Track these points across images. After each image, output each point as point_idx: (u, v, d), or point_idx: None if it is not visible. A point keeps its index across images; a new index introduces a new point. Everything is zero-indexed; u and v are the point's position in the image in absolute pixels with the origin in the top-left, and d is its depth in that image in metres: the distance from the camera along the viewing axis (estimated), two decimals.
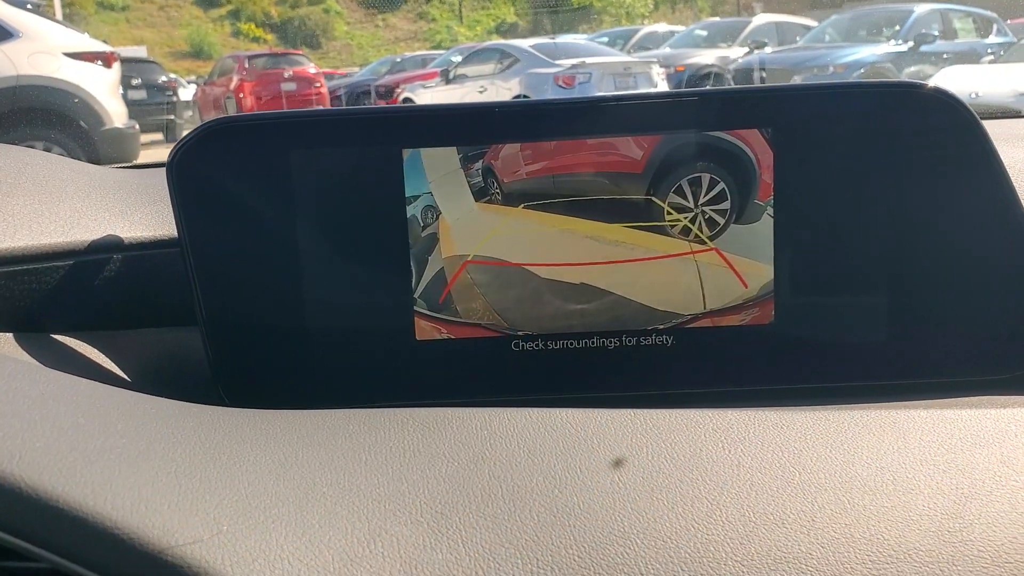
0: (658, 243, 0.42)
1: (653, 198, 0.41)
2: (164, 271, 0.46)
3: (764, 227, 0.42)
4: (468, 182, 0.41)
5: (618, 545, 0.26)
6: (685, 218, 0.42)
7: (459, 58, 9.16)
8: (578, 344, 0.43)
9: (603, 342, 0.43)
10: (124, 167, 0.64)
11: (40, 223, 0.45)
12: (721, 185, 0.41)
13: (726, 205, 0.41)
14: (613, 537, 0.27)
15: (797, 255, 0.42)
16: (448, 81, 8.38)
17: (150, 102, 7.78)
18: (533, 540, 0.27)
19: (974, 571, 0.26)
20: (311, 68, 9.91)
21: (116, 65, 4.62)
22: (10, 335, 0.42)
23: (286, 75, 9.37)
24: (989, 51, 7.15)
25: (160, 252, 0.46)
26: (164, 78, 8.53)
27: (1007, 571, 0.26)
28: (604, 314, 0.42)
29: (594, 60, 7.64)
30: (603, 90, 6.83)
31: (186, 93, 10.04)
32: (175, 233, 0.42)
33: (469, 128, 0.41)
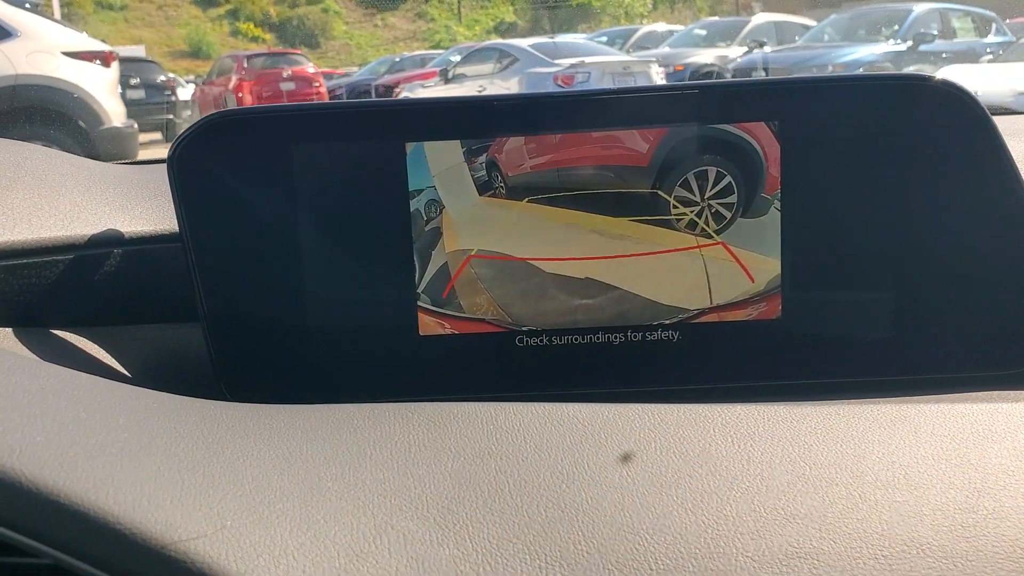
0: (664, 237, 0.41)
1: (659, 192, 0.41)
2: (165, 266, 0.45)
3: (771, 221, 0.41)
4: (472, 176, 0.41)
5: (627, 541, 0.26)
6: (691, 212, 0.41)
7: (458, 58, 9.16)
8: (583, 339, 0.42)
9: (608, 337, 0.42)
10: (124, 163, 0.63)
11: (40, 217, 0.44)
12: (728, 178, 0.41)
13: (733, 199, 0.41)
14: (622, 533, 0.26)
15: (804, 249, 0.41)
16: (447, 81, 8.38)
17: (149, 101, 7.76)
18: (541, 535, 0.26)
19: (988, 566, 0.26)
20: (310, 68, 9.91)
21: (114, 64, 4.61)
22: (9, 330, 0.42)
23: (285, 75, 9.37)
24: (988, 50, 7.15)
25: (161, 247, 0.46)
26: (163, 77, 8.52)
27: (1022, 566, 0.26)
28: (609, 309, 0.42)
29: (593, 59, 7.63)
30: None
31: (185, 93, 10.03)
32: (176, 227, 0.42)
33: (473, 121, 0.41)
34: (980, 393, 0.38)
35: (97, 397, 0.30)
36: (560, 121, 0.41)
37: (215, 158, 0.41)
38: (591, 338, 0.42)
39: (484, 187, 0.41)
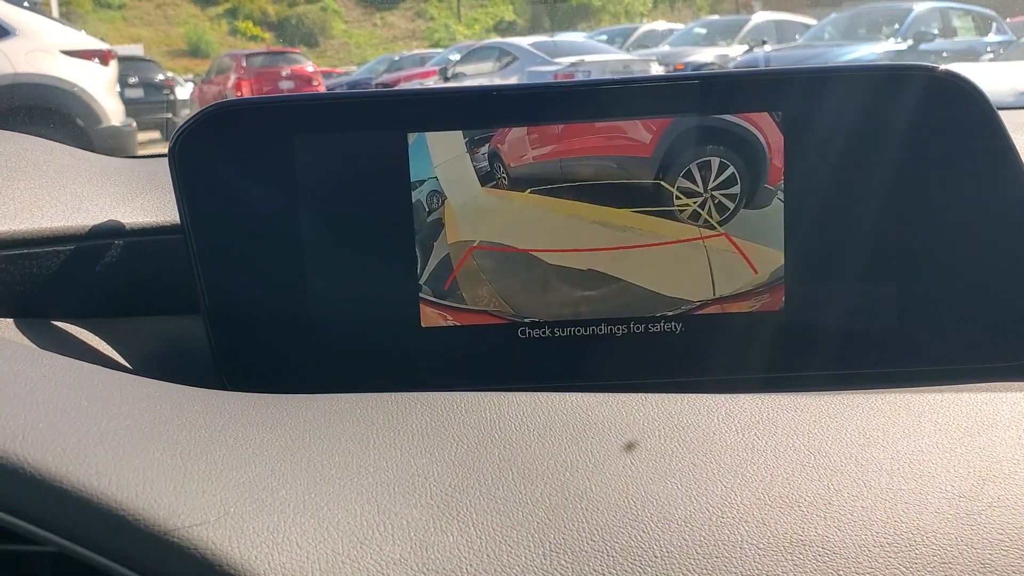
0: (667, 228, 0.41)
1: (662, 182, 0.41)
2: (166, 257, 0.45)
3: (774, 212, 0.41)
4: (474, 166, 0.41)
5: (631, 528, 0.26)
6: (694, 203, 0.41)
7: (457, 56, 9.16)
8: (585, 331, 0.42)
9: (611, 329, 0.42)
10: (125, 157, 0.63)
11: (41, 208, 0.44)
12: (731, 169, 0.41)
13: (736, 189, 0.41)
14: (626, 521, 0.26)
15: (807, 240, 0.41)
16: (446, 79, 8.37)
17: (147, 100, 7.75)
18: (544, 523, 0.26)
19: (993, 553, 0.26)
20: (309, 66, 9.90)
21: (113, 63, 4.60)
22: (10, 321, 0.42)
23: (284, 73, 9.36)
24: (989, 49, 7.14)
25: (162, 238, 0.45)
26: (161, 76, 8.51)
27: None
28: (612, 300, 0.42)
29: (593, 58, 7.64)
30: None
31: (183, 91, 10.02)
32: (177, 219, 0.42)
33: (475, 112, 0.41)
34: (983, 383, 0.38)
35: (100, 386, 0.30)
36: (562, 111, 0.41)
37: (216, 149, 0.41)
38: (594, 330, 0.42)
39: (486, 178, 0.41)
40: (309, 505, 0.26)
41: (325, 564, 0.24)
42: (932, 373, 0.41)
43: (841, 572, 0.25)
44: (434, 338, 0.42)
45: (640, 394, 0.33)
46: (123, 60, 6.18)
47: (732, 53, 8.57)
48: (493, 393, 0.33)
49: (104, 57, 4.55)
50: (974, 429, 0.30)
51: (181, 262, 0.42)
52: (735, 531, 0.26)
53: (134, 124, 4.78)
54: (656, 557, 0.25)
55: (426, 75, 9.17)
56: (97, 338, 0.44)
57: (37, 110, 4.26)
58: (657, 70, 7.60)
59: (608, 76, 7.07)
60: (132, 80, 7.62)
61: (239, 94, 8.99)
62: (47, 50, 4.30)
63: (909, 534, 0.26)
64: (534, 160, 0.41)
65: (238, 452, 0.27)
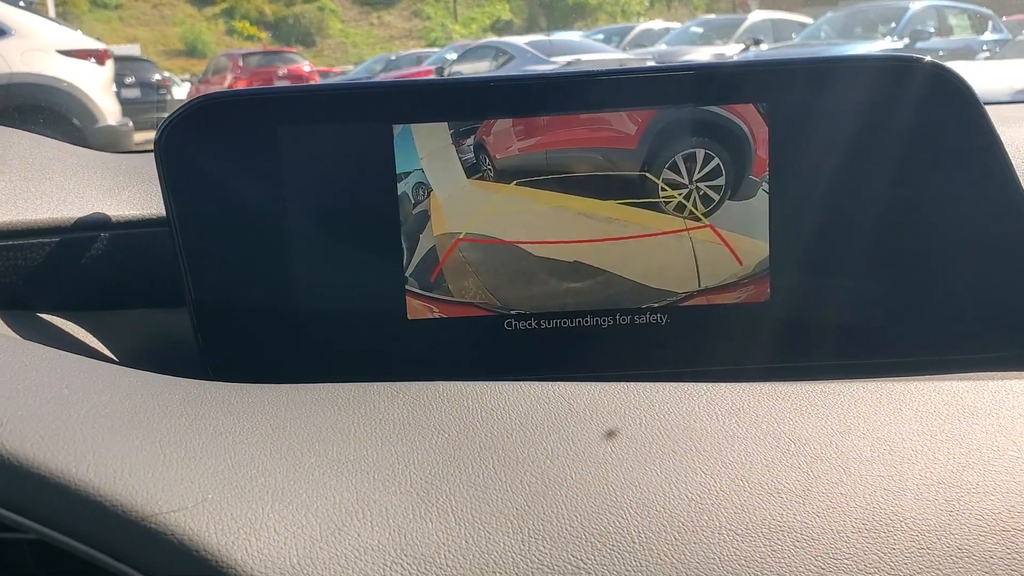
0: (652, 220, 0.41)
1: (647, 174, 0.41)
2: (152, 250, 0.45)
3: (759, 203, 0.41)
4: (460, 158, 0.41)
5: (610, 515, 0.26)
6: (679, 194, 0.41)
7: (454, 55, 9.16)
8: (571, 323, 0.42)
9: (596, 321, 0.42)
10: (113, 153, 0.63)
11: (26, 199, 0.44)
12: (716, 161, 0.41)
13: (721, 181, 0.41)
14: (605, 507, 0.26)
15: (793, 232, 0.41)
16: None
17: (144, 100, 7.74)
18: (524, 509, 0.26)
19: (971, 540, 0.26)
20: (305, 66, 9.91)
21: (109, 63, 4.60)
22: None
23: (280, 73, 9.36)
24: (985, 48, 7.15)
25: (148, 231, 0.45)
26: (158, 76, 8.50)
27: (1004, 539, 0.26)
28: (597, 292, 0.42)
29: (589, 57, 7.64)
30: None
31: (180, 91, 10.00)
32: (163, 212, 0.42)
33: (460, 103, 0.41)
34: (964, 373, 0.38)
35: (81, 375, 0.30)
36: (547, 104, 0.41)
37: (202, 141, 0.41)
38: (580, 321, 0.42)
39: (472, 170, 0.41)
40: (287, 492, 0.26)
41: (303, 550, 0.24)
42: (917, 364, 0.41)
43: (819, 557, 0.25)
44: (420, 330, 0.42)
45: (621, 383, 0.33)
46: (119, 60, 6.17)
47: (729, 52, 8.57)
48: (475, 383, 0.33)
49: (100, 57, 4.55)
50: (954, 417, 0.31)
51: (167, 255, 0.42)
52: (714, 517, 0.26)
53: (131, 124, 4.78)
54: (635, 543, 0.25)
55: (423, 74, 9.17)
56: (83, 330, 0.44)
57: (33, 110, 4.26)
58: None
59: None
60: (128, 80, 7.61)
61: None
62: (43, 50, 4.30)
63: (888, 520, 0.26)
64: (519, 152, 0.41)
65: (217, 440, 0.28)
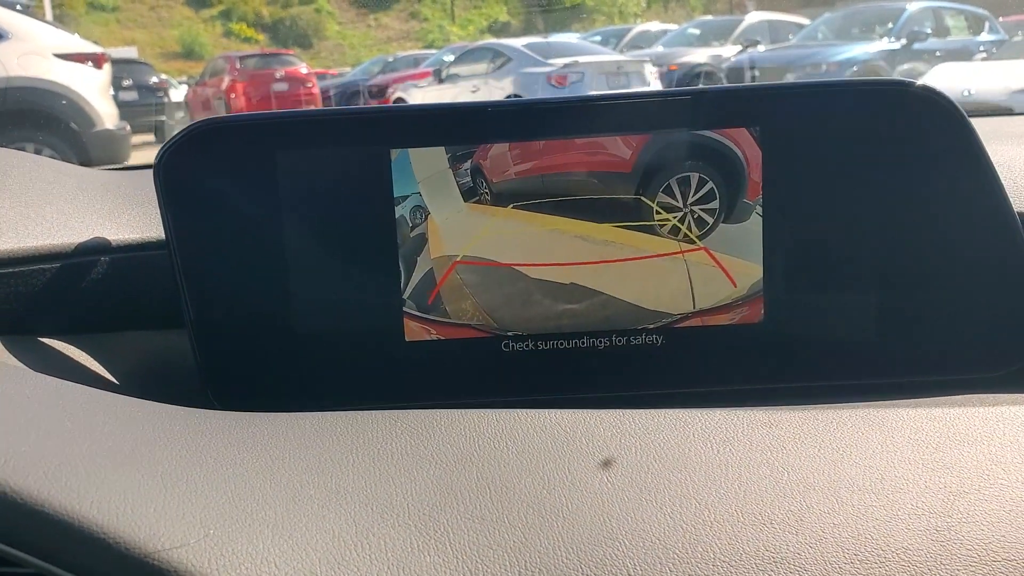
0: (647, 243, 0.42)
1: (642, 197, 0.41)
2: (152, 273, 0.45)
3: (753, 226, 0.42)
4: (457, 182, 0.41)
5: (606, 546, 0.26)
6: (674, 217, 0.42)
7: (451, 57, 9.15)
8: (568, 344, 0.43)
9: (593, 342, 0.43)
10: (112, 169, 0.64)
11: (26, 225, 0.45)
12: (710, 184, 0.41)
13: (715, 204, 0.41)
14: (601, 538, 0.27)
15: (786, 254, 0.42)
16: (440, 81, 8.37)
17: (141, 103, 7.75)
18: (521, 541, 0.27)
19: (964, 569, 0.26)
20: (303, 68, 9.89)
21: (107, 66, 4.60)
22: None
23: (277, 75, 9.34)
24: (981, 48, 7.17)
25: (147, 254, 0.46)
26: (155, 79, 8.51)
27: (997, 569, 0.26)
28: (594, 314, 0.42)
29: (587, 59, 7.63)
30: (596, 89, 6.83)
31: (177, 94, 10.01)
32: (163, 235, 0.42)
33: (457, 128, 0.41)
34: (956, 397, 0.39)
35: (82, 406, 0.31)
36: (543, 128, 0.41)
37: (201, 165, 0.41)
38: (576, 343, 0.43)
39: (469, 193, 0.41)
40: (288, 525, 0.26)
41: None
42: (911, 384, 0.42)
43: None
44: (418, 352, 0.43)
45: (616, 410, 0.33)
46: (117, 63, 6.17)
47: (726, 53, 8.58)
48: (472, 411, 0.33)
49: (98, 60, 4.54)
50: (945, 444, 0.31)
51: (167, 278, 0.42)
52: (707, 547, 0.26)
53: (128, 127, 4.77)
54: (630, 575, 0.26)
55: (420, 76, 9.16)
56: (84, 354, 0.44)
57: (30, 114, 4.25)
58: (651, 71, 7.60)
59: (602, 77, 7.08)
60: (126, 83, 7.62)
61: (233, 96, 8.98)
62: (40, 53, 4.29)
63: (880, 550, 0.26)
64: (516, 176, 0.41)
65: (218, 473, 0.28)
